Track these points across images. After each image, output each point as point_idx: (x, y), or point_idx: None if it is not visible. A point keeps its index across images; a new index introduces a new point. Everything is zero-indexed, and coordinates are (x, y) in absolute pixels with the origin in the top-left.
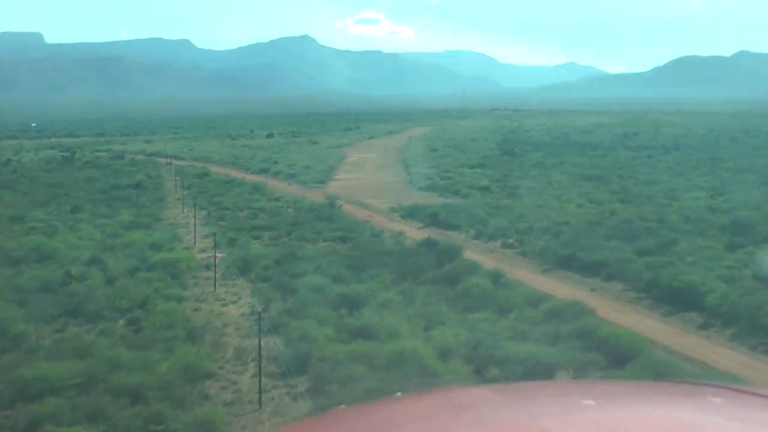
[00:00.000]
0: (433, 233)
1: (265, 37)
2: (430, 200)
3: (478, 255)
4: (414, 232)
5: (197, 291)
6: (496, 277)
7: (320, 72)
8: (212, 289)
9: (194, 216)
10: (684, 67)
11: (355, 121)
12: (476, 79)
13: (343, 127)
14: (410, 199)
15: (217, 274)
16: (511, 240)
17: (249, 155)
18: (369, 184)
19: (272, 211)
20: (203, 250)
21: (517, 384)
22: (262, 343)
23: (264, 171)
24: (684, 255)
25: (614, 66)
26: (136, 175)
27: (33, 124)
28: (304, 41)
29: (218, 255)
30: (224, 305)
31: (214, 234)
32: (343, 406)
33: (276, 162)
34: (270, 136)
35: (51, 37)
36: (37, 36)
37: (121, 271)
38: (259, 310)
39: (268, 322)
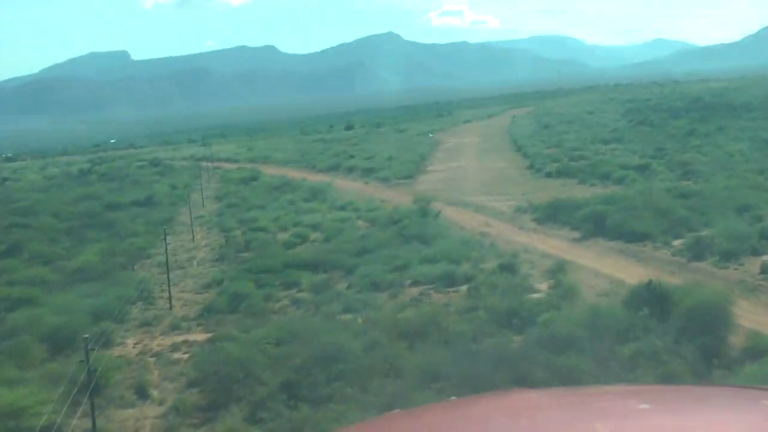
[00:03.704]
0: (611, 252)
1: (350, 37)
2: (571, 191)
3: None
4: (578, 254)
5: None
6: None
7: (408, 68)
8: None
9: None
10: None
11: (447, 108)
12: (564, 61)
13: (434, 114)
14: (540, 191)
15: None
16: None
17: (319, 150)
18: (474, 174)
19: (331, 227)
20: (178, 327)
21: (573, 388)
22: None
23: (334, 168)
24: None
25: (703, 38)
26: (156, 186)
27: (112, 141)
28: (390, 38)
29: (193, 339)
30: None
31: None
32: (397, 410)
33: (351, 156)
34: (349, 128)
35: (137, 54)
36: (124, 54)
37: None
38: None
39: None
